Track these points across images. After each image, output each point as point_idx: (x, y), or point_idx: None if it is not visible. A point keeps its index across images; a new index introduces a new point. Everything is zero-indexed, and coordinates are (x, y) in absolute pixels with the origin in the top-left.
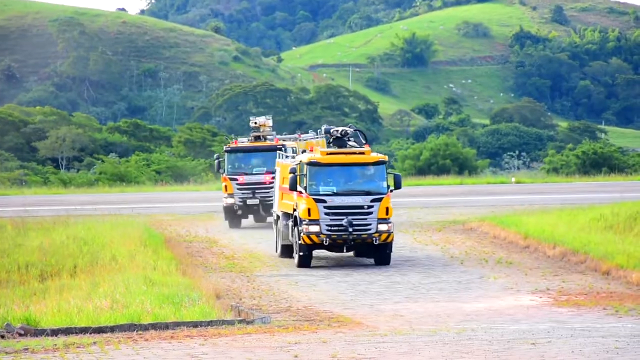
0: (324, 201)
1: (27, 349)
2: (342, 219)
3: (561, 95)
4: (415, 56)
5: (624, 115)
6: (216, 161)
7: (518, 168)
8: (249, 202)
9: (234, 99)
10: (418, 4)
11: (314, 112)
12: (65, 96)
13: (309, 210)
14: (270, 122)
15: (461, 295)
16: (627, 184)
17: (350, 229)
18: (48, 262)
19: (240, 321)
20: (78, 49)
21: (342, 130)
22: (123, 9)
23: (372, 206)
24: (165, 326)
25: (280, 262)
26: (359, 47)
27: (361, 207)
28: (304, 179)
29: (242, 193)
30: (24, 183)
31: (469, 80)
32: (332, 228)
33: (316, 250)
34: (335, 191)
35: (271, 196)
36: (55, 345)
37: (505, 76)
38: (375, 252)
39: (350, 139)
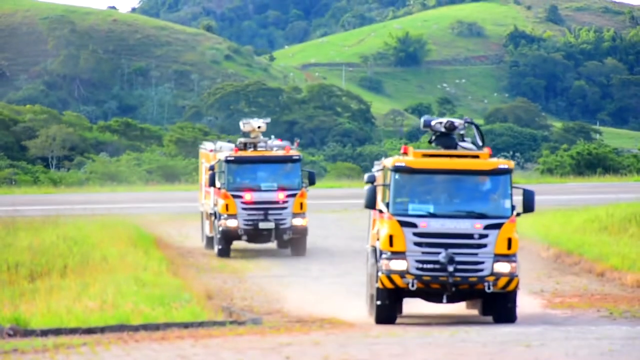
0: (414, 225)
1: (16, 350)
2: (440, 252)
3: (556, 96)
4: (408, 55)
5: (619, 115)
6: (210, 172)
7: None
8: (261, 225)
9: (225, 98)
10: (411, 2)
11: (307, 111)
12: (55, 95)
13: (391, 238)
14: (264, 127)
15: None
16: (622, 185)
17: (451, 268)
18: (38, 262)
19: (231, 322)
20: (68, 47)
21: (449, 123)
22: (114, 7)
23: (486, 235)
24: (156, 327)
25: (272, 263)
26: (352, 46)
27: (469, 235)
28: (387, 191)
29: (249, 214)
30: (13, 182)
31: (463, 80)
32: (425, 266)
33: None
34: (432, 211)
35: (285, 219)
36: (45, 346)
37: (500, 76)
38: (493, 303)
39: (464, 137)
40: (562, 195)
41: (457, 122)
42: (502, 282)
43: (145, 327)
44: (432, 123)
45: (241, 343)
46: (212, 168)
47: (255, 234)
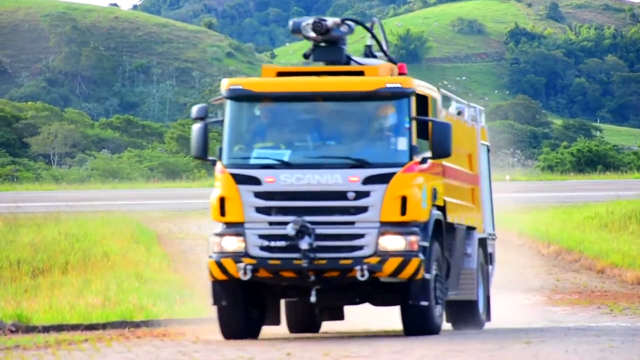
0: (257, 181)
1: (18, 346)
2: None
3: (556, 93)
4: (409, 53)
5: (620, 113)
6: None
7: (513, 166)
8: None
9: None
10: (412, 0)
11: None
12: (57, 92)
13: (222, 203)
14: None
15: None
16: (622, 182)
17: (306, 245)
18: (39, 258)
19: None
20: (70, 45)
21: (318, 24)
22: (115, 4)
23: (366, 193)
24: (158, 323)
25: None
26: (352, 43)
27: (340, 194)
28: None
29: None
30: (15, 179)
31: (464, 77)
32: (273, 243)
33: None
34: (285, 159)
35: None
36: (47, 342)
37: (500, 73)
38: (402, 306)
39: (372, 50)
40: (562, 193)
41: (331, 21)
42: (390, 265)
43: (147, 324)
44: (303, 25)
45: (242, 340)
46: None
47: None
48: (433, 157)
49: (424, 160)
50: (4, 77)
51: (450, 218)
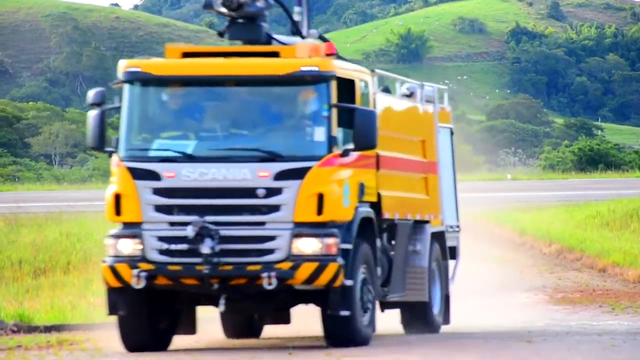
0: (156, 176)
1: (20, 346)
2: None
3: (557, 92)
4: (410, 52)
5: (621, 112)
6: None
7: (514, 165)
8: None
9: None
10: None
11: None
12: (58, 92)
13: (117, 200)
14: None
15: (456, 292)
16: (624, 181)
17: (207, 249)
18: (41, 258)
19: None
20: (71, 45)
21: None
22: (116, 4)
23: (277, 190)
24: None
25: None
26: (353, 42)
27: (248, 192)
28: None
29: None
30: (16, 179)
31: (465, 77)
32: (174, 246)
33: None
34: (187, 152)
35: None
36: (49, 342)
37: (501, 72)
38: (322, 316)
39: (300, 30)
40: (563, 192)
41: None
42: (304, 271)
43: None
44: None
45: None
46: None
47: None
48: (355, 149)
49: (345, 153)
50: (5, 78)
51: (389, 214)
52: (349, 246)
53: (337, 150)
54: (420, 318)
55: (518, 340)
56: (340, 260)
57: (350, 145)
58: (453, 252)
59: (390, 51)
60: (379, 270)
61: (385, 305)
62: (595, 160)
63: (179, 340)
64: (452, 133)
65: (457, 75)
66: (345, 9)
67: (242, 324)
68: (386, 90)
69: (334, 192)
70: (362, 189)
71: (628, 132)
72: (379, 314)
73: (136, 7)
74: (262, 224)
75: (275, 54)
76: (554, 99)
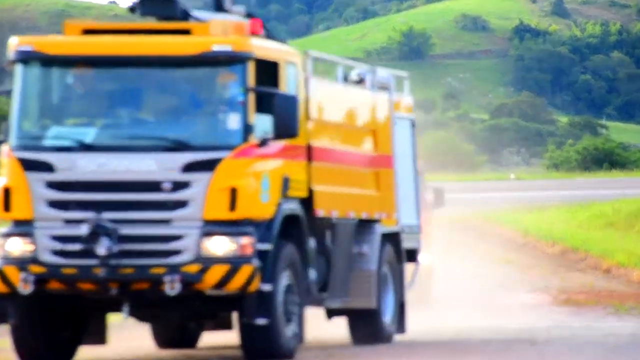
0: (49, 168)
1: None
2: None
3: (561, 90)
4: (412, 49)
5: (626, 110)
6: None
7: (517, 164)
8: None
9: None
10: None
11: None
12: None
13: (6, 195)
14: None
15: (456, 293)
16: (628, 180)
17: (103, 250)
18: None
19: None
20: None
21: None
22: (114, 2)
23: (185, 184)
24: None
25: None
26: (355, 40)
27: (152, 185)
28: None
29: None
30: None
31: (468, 75)
32: (69, 247)
33: None
34: (86, 141)
35: None
36: None
37: (505, 70)
38: (239, 325)
39: (220, 5)
40: (567, 191)
41: None
42: (214, 274)
43: None
44: None
45: None
46: None
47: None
48: (275, 138)
49: (264, 142)
50: (2, 76)
51: (324, 211)
52: (267, 247)
53: (253, 140)
54: (368, 326)
55: (521, 342)
56: (255, 262)
57: (269, 134)
58: (413, 255)
59: (392, 49)
60: (312, 274)
61: (331, 313)
62: (600, 159)
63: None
64: (413, 125)
65: (459, 73)
66: (346, 6)
67: (174, 331)
68: (347, 78)
69: (249, 186)
70: (286, 183)
71: (633, 131)
72: (326, 323)
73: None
74: (167, 221)
75: (186, 32)
76: (558, 97)
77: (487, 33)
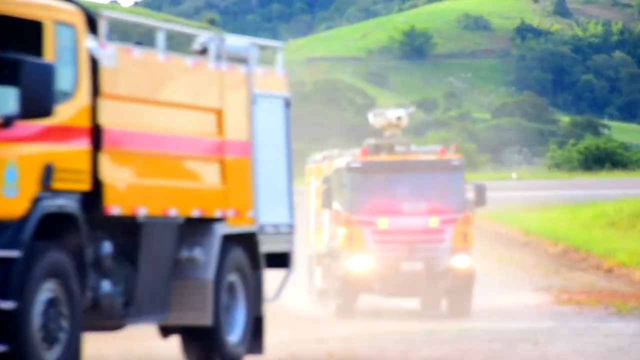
0: None
1: None
2: None
3: (563, 90)
4: (414, 49)
5: (628, 110)
6: (325, 187)
7: (519, 164)
8: (405, 266)
9: None
10: None
11: (312, 106)
12: None
13: None
14: (405, 120)
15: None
16: (630, 180)
17: None
18: None
19: None
20: None
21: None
22: (116, 1)
23: None
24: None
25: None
26: (357, 39)
27: None
28: None
29: (386, 250)
30: None
31: (469, 74)
32: None
33: None
34: None
35: (440, 257)
36: None
37: (507, 70)
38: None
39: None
40: (569, 191)
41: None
42: None
43: None
44: None
45: None
46: (327, 181)
47: (394, 282)
48: (21, 116)
49: (7, 122)
50: None
51: (122, 209)
52: (14, 254)
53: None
54: (205, 347)
55: (523, 341)
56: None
57: (14, 112)
58: (283, 260)
59: (394, 48)
60: (105, 285)
61: (167, 331)
62: (602, 159)
63: None
64: (287, 104)
65: (461, 73)
66: (348, 5)
67: None
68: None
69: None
70: (48, 172)
71: (635, 131)
72: (163, 342)
73: (136, 3)
74: None
75: None
76: (559, 96)
77: (489, 33)
